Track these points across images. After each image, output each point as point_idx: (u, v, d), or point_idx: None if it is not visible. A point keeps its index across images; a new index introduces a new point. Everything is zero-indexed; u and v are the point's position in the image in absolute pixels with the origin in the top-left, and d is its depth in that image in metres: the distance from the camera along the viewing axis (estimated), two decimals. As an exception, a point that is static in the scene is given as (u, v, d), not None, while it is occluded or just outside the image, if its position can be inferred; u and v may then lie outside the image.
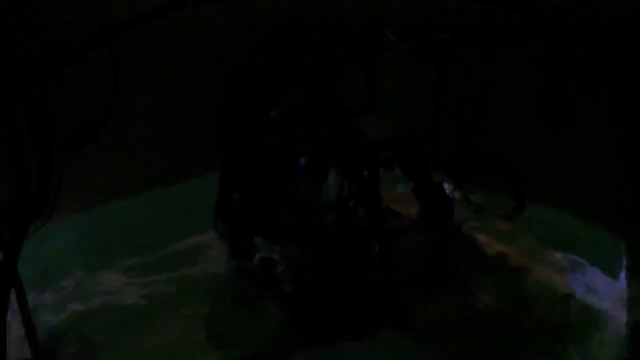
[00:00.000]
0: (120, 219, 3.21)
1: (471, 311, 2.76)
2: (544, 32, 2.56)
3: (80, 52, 1.93)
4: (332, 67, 3.15)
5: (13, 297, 2.02)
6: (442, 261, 3.07)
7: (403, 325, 2.63)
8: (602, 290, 2.81)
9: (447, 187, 3.33)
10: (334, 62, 3.15)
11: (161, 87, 3.17)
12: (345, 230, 2.87)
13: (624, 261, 2.84)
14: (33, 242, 2.07)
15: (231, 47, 3.33)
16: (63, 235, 2.90)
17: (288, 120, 3.03)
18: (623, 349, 2.49)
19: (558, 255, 3.05)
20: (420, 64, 3.04)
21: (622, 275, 2.82)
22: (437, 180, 3.21)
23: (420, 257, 3.06)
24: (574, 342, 2.51)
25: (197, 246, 3.18)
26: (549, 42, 2.60)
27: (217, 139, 3.12)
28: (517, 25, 2.61)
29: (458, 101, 3.02)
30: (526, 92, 2.81)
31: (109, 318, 2.74)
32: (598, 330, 2.61)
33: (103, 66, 2.63)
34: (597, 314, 2.70)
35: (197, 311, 2.78)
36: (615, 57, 2.50)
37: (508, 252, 3.11)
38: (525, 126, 2.91)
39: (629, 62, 2.50)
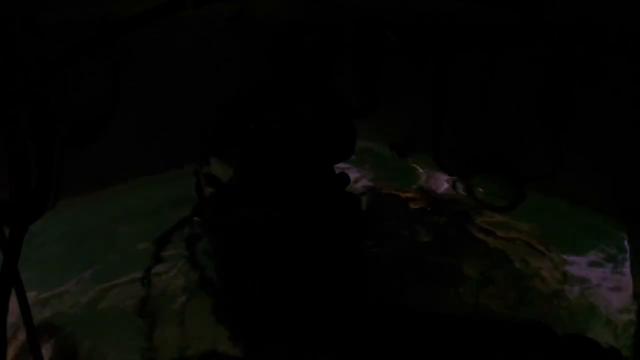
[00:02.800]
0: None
1: (471, 301, 2.77)
2: (544, 32, 2.56)
3: (81, 52, 1.92)
4: (332, 67, 3.15)
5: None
6: (441, 251, 3.09)
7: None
8: (605, 282, 2.82)
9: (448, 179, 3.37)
10: (334, 62, 3.15)
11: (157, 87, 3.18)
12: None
13: (628, 253, 2.84)
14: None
15: (231, 47, 3.34)
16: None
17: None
18: (627, 339, 2.49)
19: (560, 246, 3.06)
20: (421, 64, 3.04)
21: (626, 266, 2.83)
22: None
23: (420, 247, 3.08)
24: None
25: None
26: (549, 42, 2.60)
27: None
28: (517, 25, 2.62)
29: (458, 101, 3.03)
30: (526, 92, 2.81)
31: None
32: (601, 322, 2.61)
33: (103, 66, 2.65)
34: (600, 305, 2.70)
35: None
36: (615, 57, 2.50)
37: (509, 242, 3.13)
38: (525, 126, 2.91)
39: (629, 62, 2.50)
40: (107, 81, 2.71)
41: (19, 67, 1.98)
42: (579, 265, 2.95)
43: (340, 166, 2.97)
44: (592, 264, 2.94)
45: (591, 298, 2.76)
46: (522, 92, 2.84)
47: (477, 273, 2.94)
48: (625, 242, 2.86)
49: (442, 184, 3.57)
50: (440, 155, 3.18)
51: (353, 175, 3.32)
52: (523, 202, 3.07)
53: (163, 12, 1.98)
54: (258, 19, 3.09)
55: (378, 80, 3.26)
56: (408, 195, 3.57)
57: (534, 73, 2.72)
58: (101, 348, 2.52)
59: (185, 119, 3.25)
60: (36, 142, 2.01)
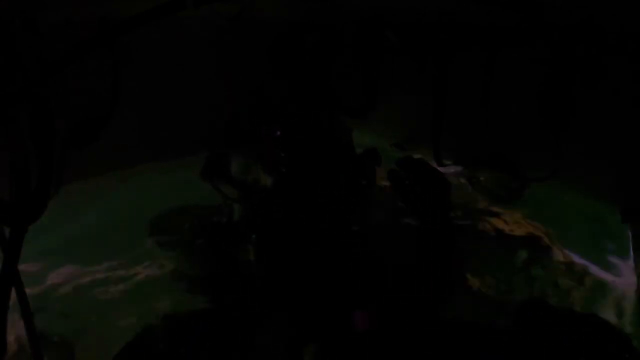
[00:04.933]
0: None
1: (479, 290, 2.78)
2: (544, 32, 2.56)
3: (81, 52, 1.92)
4: (332, 67, 3.15)
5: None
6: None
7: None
8: (609, 271, 2.82)
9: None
10: (334, 62, 3.15)
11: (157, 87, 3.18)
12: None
13: (631, 242, 2.84)
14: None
15: (232, 46, 3.34)
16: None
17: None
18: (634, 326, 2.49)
19: (565, 236, 3.06)
20: (421, 64, 3.04)
21: (629, 256, 2.83)
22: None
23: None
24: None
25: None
26: (549, 42, 2.60)
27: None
28: (517, 25, 2.61)
29: (458, 101, 3.03)
30: (526, 92, 2.81)
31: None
32: (608, 309, 2.62)
33: (103, 66, 2.64)
34: (606, 293, 2.71)
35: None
36: (615, 57, 2.50)
37: (514, 232, 3.13)
38: (525, 126, 2.91)
39: (629, 62, 2.50)
40: (107, 81, 2.71)
41: (19, 67, 1.98)
42: (583, 250, 2.96)
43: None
44: (596, 250, 2.95)
45: (595, 284, 2.77)
46: (522, 92, 2.84)
47: (476, 265, 2.95)
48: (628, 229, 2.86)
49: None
50: (440, 155, 3.18)
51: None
52: (522, 197, 3.08)
53: (163, 12, 1.98)
54: (258, 19, 3.09)
55: (378, 80, 3.25)
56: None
57: (534, 73, 2.72)
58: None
59: (185, 119, 3.26)
60: (36, 142, 2.01)
